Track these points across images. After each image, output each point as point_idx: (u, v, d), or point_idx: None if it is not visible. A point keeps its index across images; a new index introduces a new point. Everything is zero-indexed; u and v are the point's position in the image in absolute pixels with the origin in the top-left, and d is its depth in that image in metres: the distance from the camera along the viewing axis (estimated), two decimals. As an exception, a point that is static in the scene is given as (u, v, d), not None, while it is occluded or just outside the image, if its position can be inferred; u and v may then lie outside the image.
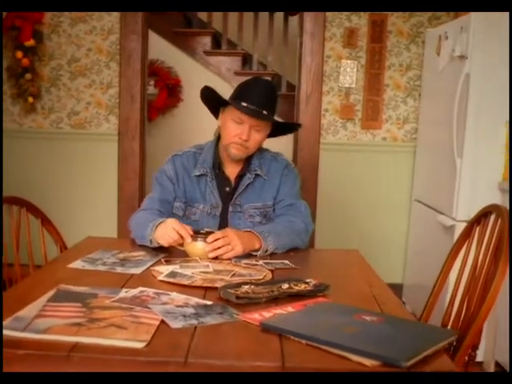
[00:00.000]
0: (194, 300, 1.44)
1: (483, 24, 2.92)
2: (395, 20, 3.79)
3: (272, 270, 1.78)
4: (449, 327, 1.87)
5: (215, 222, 2.22)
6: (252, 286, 1.52)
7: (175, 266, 1.75)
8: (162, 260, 1.83)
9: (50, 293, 1.43)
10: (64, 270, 1.68)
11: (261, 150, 2.29)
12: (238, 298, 1.43)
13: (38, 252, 1.98)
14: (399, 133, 3.89)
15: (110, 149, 3.81)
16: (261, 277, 1.68)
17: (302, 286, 1.56)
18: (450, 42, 3.21)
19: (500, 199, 3.00)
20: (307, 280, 1.60)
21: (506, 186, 2.95)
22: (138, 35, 3.72)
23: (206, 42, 5.41)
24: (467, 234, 1.95)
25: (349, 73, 3.83)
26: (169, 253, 1.92)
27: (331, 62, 3.83)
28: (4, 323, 1.20)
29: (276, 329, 1.25)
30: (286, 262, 1.90)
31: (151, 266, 1.76)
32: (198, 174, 2.23)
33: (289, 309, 1.41)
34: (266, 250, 1.97)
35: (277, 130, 2.26)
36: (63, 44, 3.73)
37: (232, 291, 1.46)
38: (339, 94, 3.85)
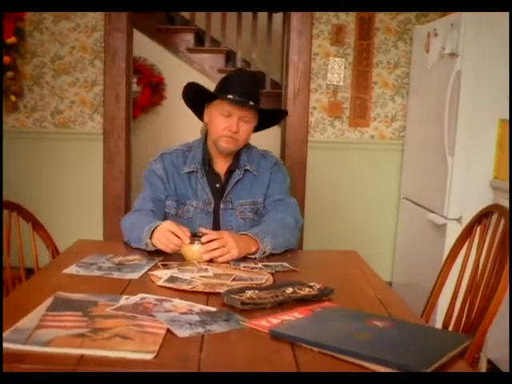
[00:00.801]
0: (198, 307, 1.40)
1: (474, 21, 2.91)
2: (383, 17, 3.77)
3: (272, 273, 1.74)
4: (450, 328, 1.86)
5: (209, 218, 2.18)
6: (256, 291, 1.48)
7: (173, 270, 1.70)
8: (159, 264, 1.78)
9: (48, 301, 1.37)
10: (59, 275, 1.62)
11: (249, 147, 2.27)
12: (243, 303, 1.39)
13: (29, 256, 1.92)
14: (387, 131, 3.88)
15: (94, 148, 3.74)
16: (263, 281, 1.64)
17: (307, 290, 1.52)
18: (440, 40, 3.19)
19: (491, 197, 3.00)
20: (311, 284, 1.56)
21: (498, 183, 2.95)
22: (123, 33, 3.65)
23: (189, 39, 5.35)
24: (468, 233, 1.93)
25: (336, 70, 3.80)
26: (164, 256, 1.87)
27: (319, 60, 3.80)
28: (4, 335, 1.15)
29: (287, 336, 1.22)
30: (285, 264, 1.86)
31: (148, 270, 1.71)
32: (188, 171, 2.19)
33: (295, 314, 1.38)
34: (264, 252, 1.94)
35: (263, 122, 2.23)
36: (46, 41, 3.65)
37: (236, 297, 1.42)
38: (327, 92, 3.82)
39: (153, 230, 1.90)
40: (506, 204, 2.83)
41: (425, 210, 3.36)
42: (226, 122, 2.09)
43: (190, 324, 1.27)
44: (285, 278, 1.68)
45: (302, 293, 1.50)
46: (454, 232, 3.00)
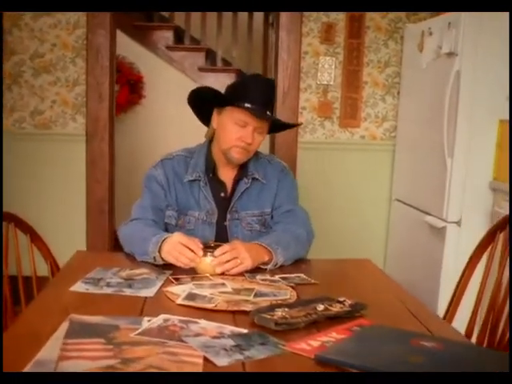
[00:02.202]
0: (228, 328, 1.29)
1: (474, 20, 2.85)
2: (373, 15, 3.69)
3: (293, 287, 1.64)
4: (474, 339, 1.79)
5: (211, 230, 2.06)
6: (286, 309, 1.38)
7: (189, 285, 1.59)
8: (170, 278, 1.66)
9: (64, 326, 1.25)
10: (67, 294, 1.49)
11: (257, 153, 2.15)
12: (276, 324, 1.29)
13: (26, 267, 1.78)
14: (378, 131, 3.81)
15: (77, 150, 3.58)
16: (287, 296, 1.54)
17: (338, 307, 1.43)
18: (436, 38, 3.13)
19: (491, 199, 2.95)
20: (340, 299, 1.47)
21: (497, 185, 2.90)
22: (106, 30, 3.50)
23: (168, 36, 5.21)
24: (489, 240, 1.85)
25: (327, 69, 3.71)
26: (174, 269, 1.75)
27: (308, 59, 3.71)
28: (26, 370, 1.02)
29: (335, 362, 1.12)
30: (303, 276, 1.76)
31: (161, 286, 1.60)
32: (190, 179, 2.07)
33: (334, 335, 1.28)
34: (276, 264, 1.83)
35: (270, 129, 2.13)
36: (25, 38, 3.47)
37: (268, 316, 1.32)
38: (317, 92, 3.73)
39: (161, 242, 1.78)
40: (507, 206, 2.79)
41: (420, 212, 3.30)
42: (240, 132, 1.96)
43: (226, 350, 1.16)
44: (308, 293, 1.59)
45: (335, 310, 1.41)
46: (453, 235, 2.97)
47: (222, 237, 2.04)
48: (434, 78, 3.14)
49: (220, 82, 5.22)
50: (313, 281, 1.72)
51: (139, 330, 1.23)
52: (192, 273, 1.72)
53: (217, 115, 2.03)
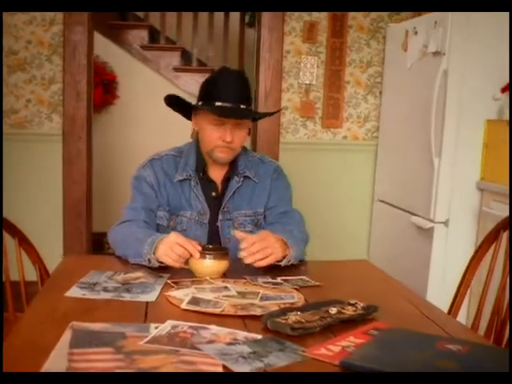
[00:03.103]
0: (241, 334, 1.22)
1: (461, 18, 2.83)
2: (355, 14, 3.66)
3: (296, 289, 1.58)
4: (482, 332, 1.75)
5: (203, 230, 1.99)
6: (298, 313, 1.31)
7: (190, 289, 1.51)
8: (169, 282, 1.58)
9: (67, 334, 1.16)
10: (64, 300, 1.40)
11: (246, 151, 2.09)
12: (292, 329, 1.22)
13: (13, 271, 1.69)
14: (360, 131, 3.78)
15: (53, 150, 3.47)
16: (294, 299, 1.48)
17: (351, 310, 1.37)
18: (421, 38, 3.11)
19: (478, 199, 2.94)
20: (352, 301, 1.41)
21: (485, 185, 2.89)
22: (84, 26, 3.39)
23: (143, 35, 5.11)
24: (492, 239, 1.82)
25: (309, 69, 3.67)
26: (171, 272, 1.67)
27: (290, 58, 3.66)
28: (35, 384, 0.94)
29: (362, 368, 1.06)
30: (305, 278, 1.70)
31: (161, 290, 1.52)
32: (180, 178, 1.99)
33: (352, 339, 1.22)
34: (289, 260, 1.77)
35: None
36: (-1, 35, 3.35)
37: (282, 321, 1.25)
38: (299, 92, 3.69)
39: (157, 243, 1.70)
40: (496, 206, 2.78)
41: (405, 212, 3.27)
42: (219, 132, 1.89)
43: (244, 357, 1.09)
44: (313, 295, 1.52)
45: (348, 313, 1.35)
46: (441, 235, 2.94)
47: (214, 237, 1.98)
48: (420, 78, 3.12)
49: (195, 81, 5.15)
50: (317, 283, 1.65)
51: (148, 338, 1.16)
52: (190, 276, 1.65)
53: (194, 117, 1.99)
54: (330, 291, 1.57)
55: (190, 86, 5.12)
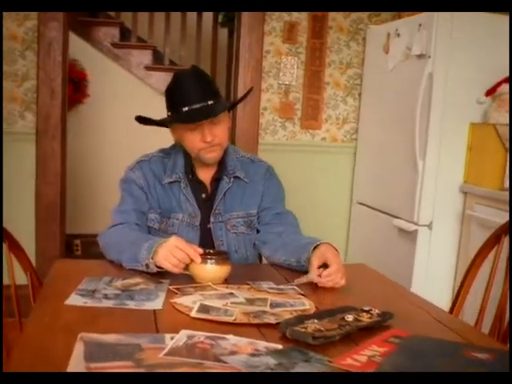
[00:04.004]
0: (261, 344, 1.17)
1: (446, 21, 2.83)
2: (335, 15, 3.64)
3: (303, 295, 1.54)
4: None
5: (195, 233, 1.94)
6: (315, 321, 1.27)
7: (196, 296, 1.45)
8: (172, 288, 1.52)
9: (79, 347, 1.09)
10: (64, 308, 1.32)
11: (234, 150, 2.05)
12: (314, 338, 1.17)
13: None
14: (339, 133, 3.76)
15: (25, 149, 3.34)
16: (306, 306, 1.43)
17: (366, 317, 1.33)
18: (404, 40, 3.11)
19: (462, 202, 2.94)
20: (365, 308, 1.37)
21: (468, 188, 2.90)
22: (59, 22, 3.28)
23: (114, 33, 5.01)
24: (493, 243, 1.80)
25: (289, 69, 3.63)
26: (170, 278, 1.60)
27: (270, 58, 3.62)
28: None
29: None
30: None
31: (166, 297, 1.45)
32: (170, 180, 1.94)
33: (375, 348, 1.18)
34: None
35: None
36: (-31, 29, 3.21)
37: (301, 330, 1.20)
38: (278, 92, 3.65)
39: (155, 248, 1.63)
40: (480, 209, 2.79)
41: (387, 215, 3.26)
42: (198, 135, 1.84)
43: (272, 369, 1.04)
44: (322, 301, 1.48)
45: (365, 320, 1.31)
46: (425, 238, 2.94)
47: (206, 240, 1.92)
48: (403, 80, 3.11)
49: (167, 81, 5.05)
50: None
51: (166, 350, 1.09)
52: (191, 282, 1.59)
53: (171, 129, 1.95)
54: (336, 297, 1.54)
55: (161, 86, 5.03)
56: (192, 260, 1.58)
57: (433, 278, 2.94)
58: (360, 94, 3.73)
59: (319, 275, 1.61)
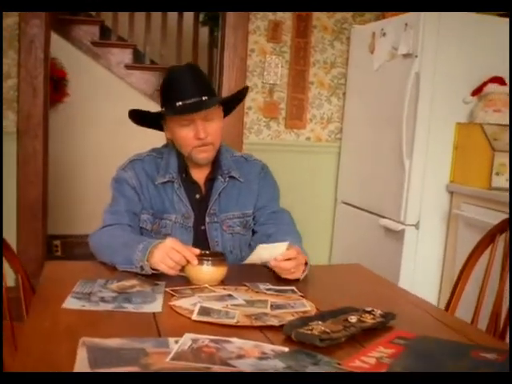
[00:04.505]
0: (267, 347, 1.15)
1: (433, 20, 2.84)
2: (320, 15, 3.64)
3: (303, 296, 1.52)
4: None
5: (188, 234, 1.91)
6: (319, 322, 1.25)
7: (195, 298, 1.43)
8: (168, 290, 1.49)
9: (82, 352, 1.05)
10: (62, 312, 1.29)
11: (227, 150, 2.02)
12: (321, 340, 1.16)
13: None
14: (323, 133, 3.76)
15: (6, 149, 3.27)
16: (307, 307, 1.41)
17: (369, 318, 1.32)
18: (390, 39, 3.11)
19: (448, 201, 2.96)
20: (367, 309, 1.36)
21: (455, 187, 2.91)
22: (41, 20, 3.21)
23: (94, 31, 4.94)
24: (488, 242, 1.80)
25: (273, 69, 3.61)
26: (165, 279, 1.57)
27: (255, 57, 3.60)
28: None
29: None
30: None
31: (164, 299, 1.42)
32: (163, 180, 1.90)
33: (381, 349, 1.17)
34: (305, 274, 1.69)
35: (226, 108, 1.96)
36: None
37: (307, 332, 1.19)
38: (263, 91, 3.63)
39: (151, 249, 1.60)
40: (467, 209, 2.80)
41: (372, 214, 3.26)
42: (192, 131, 1.82)
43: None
44: (321, 302, 1.46)
45: (369, 321, 1.30)
46: (412, 238, 2.94)
47: (199, 242, 1.89)
48: (389, 80, 3.12)
49: (147, 79, 5.02)
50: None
51: (172, 354, 1.06)
52: (187, 283, 1.56)
53: (165, 126, 1.92)
54: (335, 298, 1.52)
55: (142, 85, 4.98)
56: (188, 262, 1.56)
57: (419, 277, 2.95)
58: (344, 94, 3.73)
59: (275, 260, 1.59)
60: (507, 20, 2.76)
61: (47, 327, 1.19)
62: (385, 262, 3.09)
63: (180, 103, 1.78)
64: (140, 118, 1.92)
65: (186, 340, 1.14)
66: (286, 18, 3.59)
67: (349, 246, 3.59)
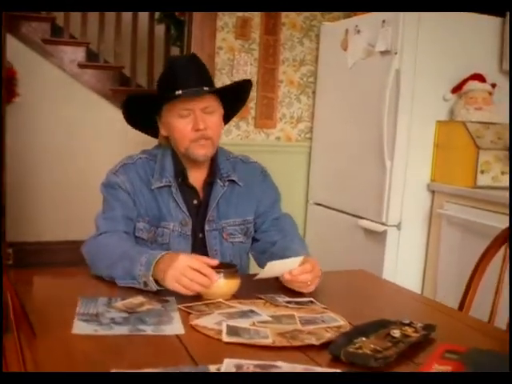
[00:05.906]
0: (318, 370, 1.03)
1: (412, 17, 2.79)
2: (288, 12, 3.54)
3: (325, 308, 1.42)
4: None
5: (187, 243, 1.77)
6: (363, 339, 1.15)
7: (215, 316, 1.30)
8: (182, 307, 1.35)
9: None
10: (74, 338, 1.14)
11: (224, 151, 1.90)
12: (376, 359, 1.06)
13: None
14: (293, 132, 3.67)
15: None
16: (339, 322, 1.31)
17: (411, 331, 1.23)
18: (365, 36, 3.05)
19: (429, 201, 2.92)
20: (405, 321, 1.27)
21: (436, 186, 2.87)
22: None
23: (45, 28, 4.70)
24: (500, 242, 1.74)
25: (242, 67, 3.50)
26: (172, 294, 1.43)
27: (223, 55, 3.47)
28: None
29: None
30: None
31: (182, 318, 1.29)
32: (159, 185, 1.76)
33: (437, 367, 1.08)
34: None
35: (228, 111, 1.83)
36: None
37: (359, 351, 1.08)
38: (232, 90, 3.50)
39: (156, 264, 1.45)
40: (450, 207, 2.77)
41: (349, 215, 3.19)
42: (190, 123, 1.69)
43: (349, 402, 0.92)
44: (346, 315, 1.36)
45: (412, 334, 1.21)
46: (393, 238, 2.89)
47: (197, 250, 1.74)
48: (365, 78, 3.05)
49: (101, 78, 4.81)
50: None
51: (221, 386, 0.94)
52: (198, 298, 1.42)
53: (160, 122, 1.79)
54: (357, 308, 1.43)
55: (95, 84, 4.77)
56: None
57: (402, 277, 2.88)
58: (314, 92, 3.65)
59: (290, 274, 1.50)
60: (488, 17, 2.74)
61: (63, 357, 1.05)
62: (366, 264, 3.00)
63: (180, 92, 1.66)
64: (135, 107, 1.77)
65: (229, 367, 1.02)
66: (255, 14, 3.48)
67: (323, 248, 3.49)
